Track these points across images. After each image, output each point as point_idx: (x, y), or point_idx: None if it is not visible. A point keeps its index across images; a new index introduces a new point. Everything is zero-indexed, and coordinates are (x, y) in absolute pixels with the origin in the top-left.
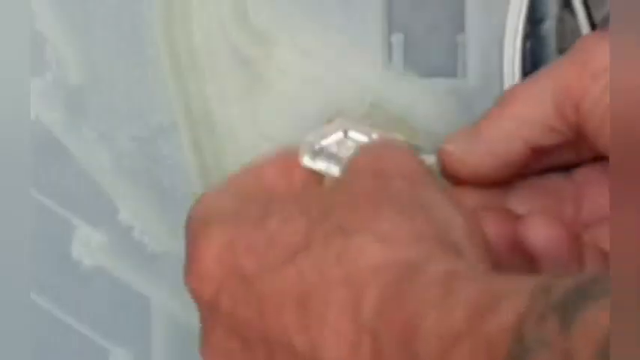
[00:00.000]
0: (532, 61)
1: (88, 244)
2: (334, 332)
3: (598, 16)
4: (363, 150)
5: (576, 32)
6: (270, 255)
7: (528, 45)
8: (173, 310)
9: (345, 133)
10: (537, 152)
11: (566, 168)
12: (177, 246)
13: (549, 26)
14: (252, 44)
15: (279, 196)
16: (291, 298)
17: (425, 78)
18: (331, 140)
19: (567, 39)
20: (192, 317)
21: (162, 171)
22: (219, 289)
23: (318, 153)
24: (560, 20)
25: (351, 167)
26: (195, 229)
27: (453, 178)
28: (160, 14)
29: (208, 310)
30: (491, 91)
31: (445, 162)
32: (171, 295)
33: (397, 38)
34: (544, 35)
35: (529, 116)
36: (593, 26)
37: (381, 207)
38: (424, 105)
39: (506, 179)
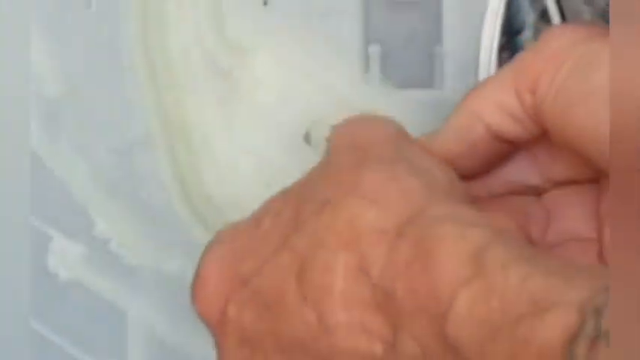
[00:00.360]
0: None
1: (65, 257)
2: (342, 295)
3: None
4: (337, 130)
5: None
6: (265, 250)
7: (505, 56)
8: (150, 322)
9: None
10: (500, 142)
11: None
12: (154, 259)
13: (526, 37)
14: (228, 55)
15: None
16: (291, 278)
17: (402, 89)
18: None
19: None
20: (168, 330)
21: (139, 183)
22: (225, 303)
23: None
24: (537, 31)
25: (330, 149)
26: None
27: None
28: (137, 26)
29: (218, 329)
30: None
31: None
32: (147, 308)
33: (374, 49)
34: (520, 46)
35: (490, 100)
36: None
37: (362, 175)
38: (401, 116)
39: (474, 170)
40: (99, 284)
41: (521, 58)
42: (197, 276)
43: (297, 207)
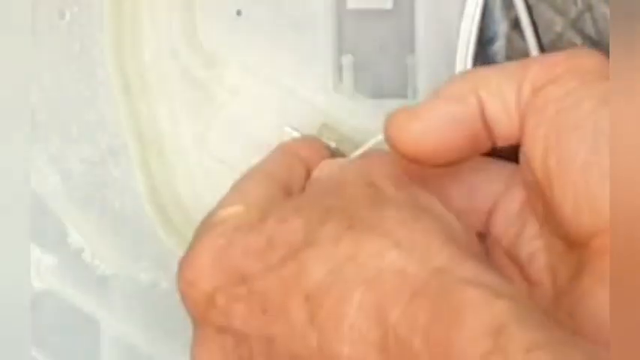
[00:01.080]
0: None
1: (38, 267)
2: (352, 329)
3: (546, 38)
4: (348, 162)
5: (525, 53)
6: (270, 254)
7: (477, 65)
8: (123, 333)
9: None
10: (481, 129)
11: None
12: (127, 268)
13: (498, 47)
14: (202, 65)
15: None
16: (298, 293)
17: (375, 99)
18: None
19: (516, 60)
20: (142, 340)
21: (112, 193)
22: (214, 290)
23: None
24: (509, 41)
25: (341, 178)
26: (196, 232)
27: None
28: (110, 36)
29: (200, 311)
30: None
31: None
32: (121, 318)
33: (347, 60)
34: (493, 56)
35: (494, 77)
36: (541, 47)
37: (383, 210)
38: (375, 126)
39: (439, 153)
40: (72, 294)
41: (551, 54)
42: (191, 254)
43: (307, 223)
